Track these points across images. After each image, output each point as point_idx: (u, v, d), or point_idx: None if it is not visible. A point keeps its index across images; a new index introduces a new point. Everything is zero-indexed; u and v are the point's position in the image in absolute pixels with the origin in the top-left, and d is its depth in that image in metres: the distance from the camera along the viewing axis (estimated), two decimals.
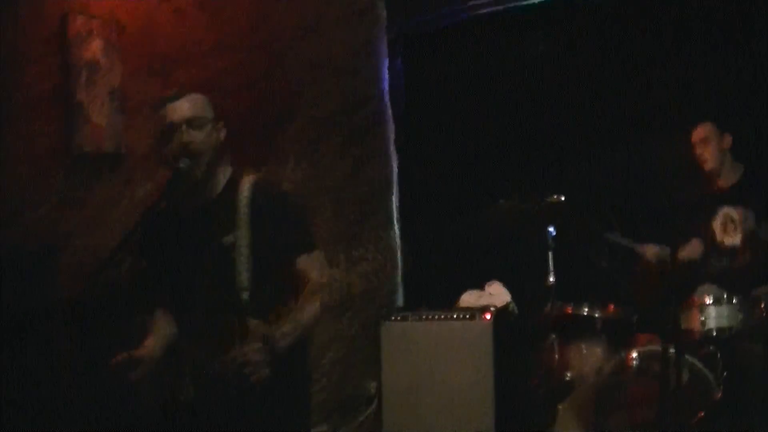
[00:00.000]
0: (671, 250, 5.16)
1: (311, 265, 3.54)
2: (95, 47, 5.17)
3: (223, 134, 3.56)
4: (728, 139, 5.55)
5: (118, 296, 4.71)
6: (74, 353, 4.75)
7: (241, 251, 3.41)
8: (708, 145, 5.56)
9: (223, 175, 3.58)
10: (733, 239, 5.45)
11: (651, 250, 5.49)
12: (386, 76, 7.53)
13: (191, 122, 3.43)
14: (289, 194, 3.78)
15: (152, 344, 3.54)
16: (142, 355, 3.45)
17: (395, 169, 7.64)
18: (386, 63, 7.54)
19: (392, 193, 7.62)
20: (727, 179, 5.58)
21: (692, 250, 5.57)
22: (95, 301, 4.70)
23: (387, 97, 7.54)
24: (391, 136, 7.64)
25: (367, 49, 7.43)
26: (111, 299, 4.69)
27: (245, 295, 3.40)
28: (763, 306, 4.90)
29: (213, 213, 3.51)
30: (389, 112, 7.59)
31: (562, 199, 5.29)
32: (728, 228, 5.47)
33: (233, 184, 3.54)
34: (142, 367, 3.43)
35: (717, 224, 5.51)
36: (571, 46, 6.76)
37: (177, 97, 3.49)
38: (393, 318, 6.09)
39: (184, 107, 3.44)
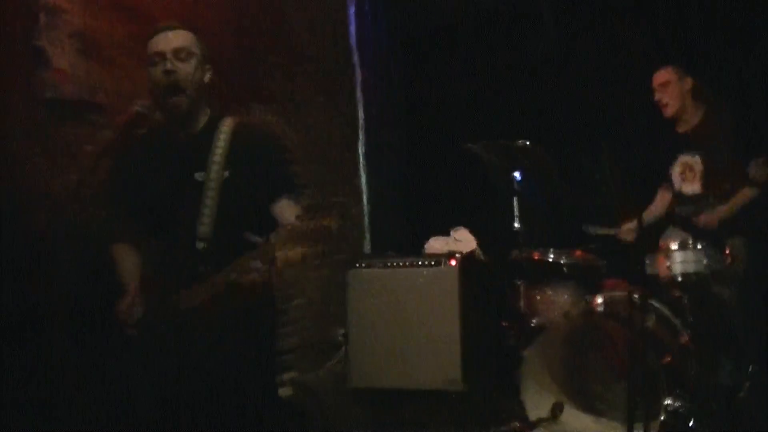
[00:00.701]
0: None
1: (290, 210, 3.56)
2: None
3: (208, 76, 3.61)
4: (689, 82, 5.47)
5: (85, 230, 4.69)
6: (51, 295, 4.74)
7: (208, 192, 3.45)
8: (668, 90, 5.48)
9: (204, 114, 3.62)
10: (693, 186, 5.44)
11: (627, 230, 5.43)
12: (353, 19, 7.48)
13: (178, 53, 3.49)
14: (272, 136, 3.80)
15: (131, 282, 3.57)
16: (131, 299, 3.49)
17: (362, 114, 7.63)
18: (353, 7, 7.49)
19: (359, 139, 7.62)
20: (688, 123, 5.52)
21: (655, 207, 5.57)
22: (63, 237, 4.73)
23: (354, 40, 7.50)
24: (358, 80, 7.62)
25: None
26: (78, 233, 4.67)
27: (201, 245, 3.44)
28: (728, 251, 4.91)
29: (189, 150, 3.56)
30: (356, 55, 7.56)
31: (528, 143, 5.25)
32: (687, 176, 5.46)
33: (213, 124, 3.60)
34: (135, 308, 3.47)
35: (675, 172, 5.50)
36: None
37: (166, 28, 3.55)
38: (359, 265, 6.08)
39: (171, 38, 3.51)
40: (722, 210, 5.19)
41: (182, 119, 3.55)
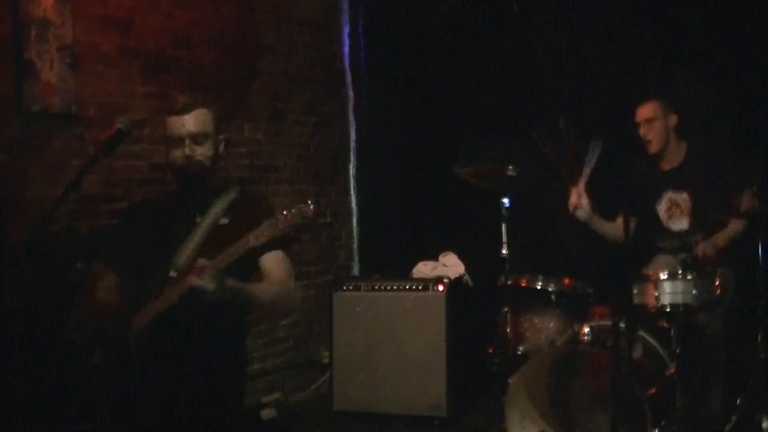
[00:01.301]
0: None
1: (277, 265, 3.64)
2: (45, 3, 5.02)
3: (222, 147, 3.77)
4: (674, 119, 5.40)
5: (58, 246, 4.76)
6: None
7: (199, 231, 3.63)
8: (652, 126, 5.41)
9: (217, 177, 3.80)
10: (680, 224, 5.40)
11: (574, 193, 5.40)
12: (347, 39, 7.50)
13: (195, 138, 3.62)
14: (269, 201, 3.92)
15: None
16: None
17: (353, 136, 7.63)
18: (347, 27, 7.50)
19: (350, 161, 7.62)
20: (671, 161, 5.47)
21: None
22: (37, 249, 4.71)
23: (347, 61, 7.52)
24: (351, 102, 7.63)
25: (333, 6, 7.42)
26: (52, 249, 4.71)
27: (173, 274, 3.55)
28: (718, 283, 4.88)
29: (196, 199, 3.73)
30: (349, 76, 7.58)
31: (517, 170, 5.23)
32: (674, 213, 5.42)
33: (222, 186, 3.81)
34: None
35: (662, 209, 5.45)
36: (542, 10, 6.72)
37: (183, 110, 3.64)
38: (345, 287, 6.04)
39: (189, 123, 3.62)
40: (719, 238, 5.16)
41: (196, 184, 3.69)
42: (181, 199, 3.75)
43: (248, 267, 3.57)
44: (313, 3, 7.23)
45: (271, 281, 3.57)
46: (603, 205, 5.48)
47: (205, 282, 3.26)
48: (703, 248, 5.12)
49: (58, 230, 4.91)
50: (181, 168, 3.63)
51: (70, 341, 3.61)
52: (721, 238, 5.18)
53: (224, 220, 3.67)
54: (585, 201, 5.34)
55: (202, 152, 3.62)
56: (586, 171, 5.27)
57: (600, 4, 6.41)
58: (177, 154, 3.62)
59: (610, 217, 5.46)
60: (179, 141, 3.62)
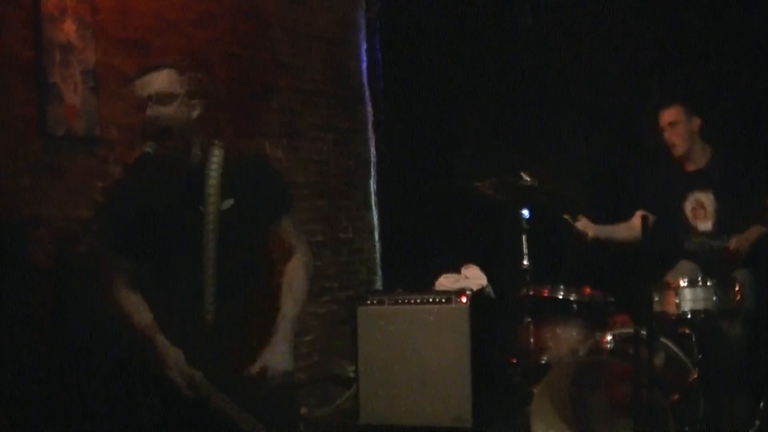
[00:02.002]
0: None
1: (290, 233, 3.60)
2: (69, 28, 5.10)
3: (196, 112, 3.52)
4: (697, 122, 5.45)
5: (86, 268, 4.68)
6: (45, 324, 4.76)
7: (209, 225, 3.44)
8: (676, 129, 5.47)
9: (196, 148, 3.55)
10: (704, 224, 5.45)
11: (583, 224, 5.47)
12: (364, 56, 7.53)
13: (158, 98, 3.40)
14: (261, 156, 3.77)
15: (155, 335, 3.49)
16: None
17: (373, 151, 7.65)
18: (364, 43, 7.54)
19: (370, 176, 7.64)
20: (696, 163, 5.52)
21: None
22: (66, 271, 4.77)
23: (365, 77, 7.55)
24: (370, 117, 7.66)
25: (349, 22, 7.46)
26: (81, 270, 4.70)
27: (210, 316, 3.45)
28: (738, 288, 4.89)
29: (189, 184, 3.50)
30: (367, 92, 7.60)
31: (536, 182, 5.27)
32: (698, 213, 5.45)
33: (204, 156, 3.54)
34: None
35: (687, 209, 5.50)
36: (557, 20, 6.75)
37: (145, 71, 3.47)
38: (369, 302, 6.06)
39: (152, 81, 3.42)
40: (752, 233, 5.18)
41: (177, 157, 3.48)
42: (169, 185, 3.52)
43: (259, 239, 3.57)
44: (329, 20, 7.27)
45: (299, 264, 3.55)
46: (615, 206, 5.56)
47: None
48: (737, 242, 5.14)
49: (82, 251, 4.95)
50: (153, 135, 3.39)
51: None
52: (754, 233, 5.20)
53: (228, 202, 3.48)
54: (590, 227, 5.47)
55: (168, 114, 3.39)
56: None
57: (612, 16, 6.45)
58: (144, 116, 3.40)
59: (623, 218, 5.55)
60: (143, 101, 3.41)
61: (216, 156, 3.53)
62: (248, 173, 3.58)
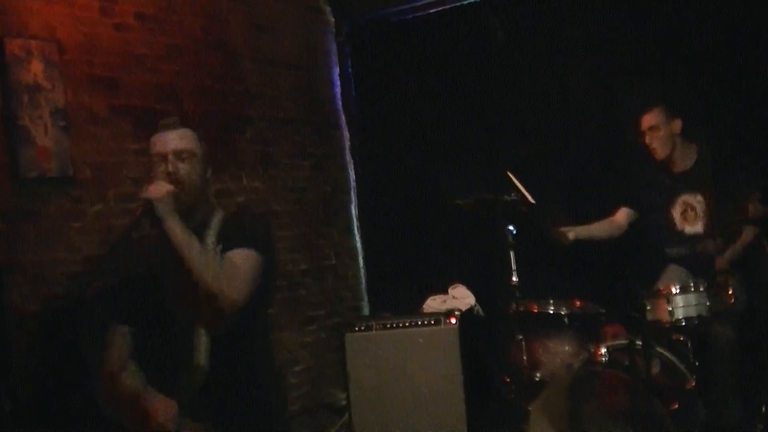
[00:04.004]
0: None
1: (242, 258, 3.48)
2: (35, 69, 5.05)
3: (209, 172, 3.67)
4: (677, 124, 5.41)
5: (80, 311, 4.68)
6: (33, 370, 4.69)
7: None
8: (657, 134, 5.43)
9: (206, 208, 3.66)
10: (694, 227, 5.41)
11: (560, 232, 5.48)
12: (337, 80, 7.52)
13: (178, 154, 3.52)
14: (260, 216, 3.82)
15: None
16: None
17: (353, 176, 7.62)
18: (336, 68, 7.53)
19: (351, 200, 7.61)
20: (681, 164, 5.49)
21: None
22: (54, 316, 4.78)
23: (339, 102, 7.53)
24: (347, 142, 7.63)
25: (319, 48, 7.45)
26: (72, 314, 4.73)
27: (203, 371, 3.49)
28: (730, 292, 4.84)
29: None
30: (342, 117, 7.58)
31: (516, 195, 5.24)
32: (688, 216, 5.42)
33: (209, 215, 3.64)
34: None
35: (676, 212, 5.46)
36: (528, 33, 6.74)
37: (167, 127, 3.58)
38: (357, 328, 5.97)
39: (172, 140, 3.54)
40: (733, 251, 5.16)
41: (184, 212, 3.48)
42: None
43: None
44: (298, 46, 7.25)
45: (224, 263, 3.42)
46: (596, 202, 5.55)
47: None
48: (719, 263, 5.12)
49: (60, 293, 4.90)
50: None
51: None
52: (737, 250, 5.17)
53: (219, 248, 3.50)
54: (569, 232, 5.47)
55: (185, 170, 3.51)
56: (527, 198, 5.32)
57: (585, 22, 6.44)
58: (160, 171, 3.51)
59: (604, 215, 5.63)
60: (162, 157, 3.52)
61: (218, 217, 3.64)
62: (239, 224, 3.66)
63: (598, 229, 5.64)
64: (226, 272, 3.37)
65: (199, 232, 3.52)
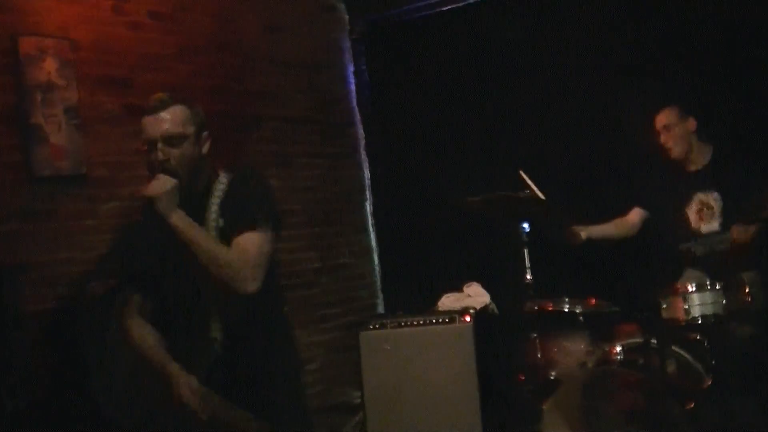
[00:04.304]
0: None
1: (253, 241, 3.36)
2: (49, 67, 5.07)
3: (206, 147, 3.49)
4: (692, 123, 5.38)
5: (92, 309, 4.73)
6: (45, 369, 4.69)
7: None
8: (671, 132, 5.40)
9: (205, 176, 3.52)
10: (710, 225, 5.36)
11: (574, 231, 5.48)
12: (352, 78, 7.50)
13: (168, 140, 3.36)
14: (257, 174, 3.67)
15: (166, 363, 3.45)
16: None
17: (367, 174, 7.61)
18: (351, 66, 7.51)
19: (366, 199, 7.59)
20: (696, 163, 5.45)
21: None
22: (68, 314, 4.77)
23: (354, 100, 7.52)
24: (362, 140, 7.61)
25: (333, 46, 7.44)
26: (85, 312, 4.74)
27: (217, 345, 3.42)
28: (747, 290, 4.80)
29: (192, 208, 3.41)
30: (357, 115, 7.56)
31: (529, 194, 5.21)
32: (704, 214, 5.38)
33: (212, 182, 3.52)
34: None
35: (692, 211, 5.42)
36: (541, 31, 6.70)
37: (157, 108, 3.40)
38: (371, 327, 5.95)
39: (161, 123, 3.37)
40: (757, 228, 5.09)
41: (182, 189, 3.40)
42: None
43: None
44: (312, 46, 7.24)
45: (233, 251, 3.31)
46: (606, 203, 5.53)
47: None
48: (737, 231, 5.05)
49: (73, 292, 4.90)
50: (153, 171, 3.39)
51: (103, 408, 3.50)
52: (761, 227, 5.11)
53: (221, 221, 3.41)
54: (582, 231, 5.47)
55: (176, 156, 3.36)
56: (539, 196, 5.27)
57: (599, 20, 6.41)
58: (151, 157, 3.38)
59: (617, 214, 5.60)
60: (152, 143, 3.38)
61: (221, 184, 3.50)
62: (237, 190, 3.50)
63: (611, 229, 5.62)
64: (236, 260, 3.29)
65: (202, 201, 3.44)
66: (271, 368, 3.49)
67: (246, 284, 3.29)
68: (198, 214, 3.41)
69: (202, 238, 3.30)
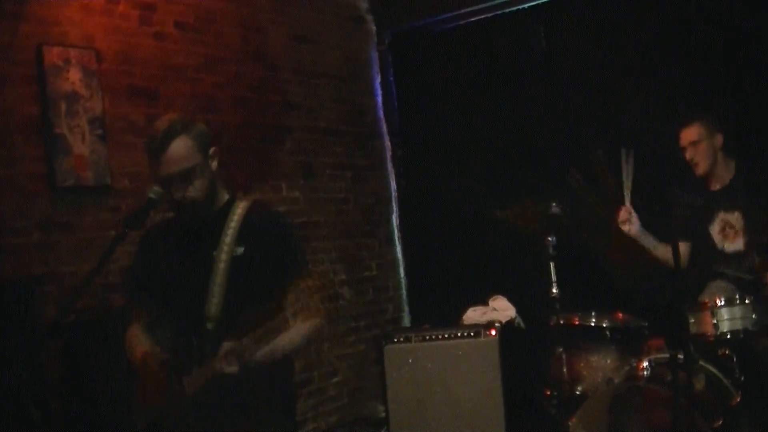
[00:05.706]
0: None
1: (305, 295, 3.28)
2: (73, 77, 5.07)
3: (215, 164, 3.45)
4: (720, 138, 5.29)
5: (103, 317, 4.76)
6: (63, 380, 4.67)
7: (218, 268, 3.39)
8: (698, 148, 5.30)
9: (222, 196, 3.53)
10: (734, 245, 5.24)
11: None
12: (379, 89, 7.49)
13: (182, 177, 3.32)
14: (283, 215, 3.69)
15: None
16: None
17: (394, 186, 7.58)
18: (378, 77, 7.50)
19: (392, 211, 7.56)
20: (720, 180, 5.33)
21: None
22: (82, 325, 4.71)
23: (381, 111, 7.51)
24: (388, 152, 7.59)
25: (360, 58, 7.42)
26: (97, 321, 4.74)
27: (210, 326, 3.38)
28: None
29: (206, 229, 3.45)
30: (384, 126, 7.54)
31: (559, 209, 5.15)
32: (728, 234, 5.26)
33: (229, 205, 3.51)
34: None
35: (715, 231, 5.30)
36: (569, 43, 6.66)
37: (159, 149, 3.31)
38: (396, 339, 5.92)
39: (169, 164, 3.30)
40: None
41: (197, 209, 3.42)
42: (188, 229, 3.49)
43: (271, 290, 3.31)
44: (339, 57, 7.23)
45: (298, 323, 3.25)
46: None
47: (232, 367, 3.14)
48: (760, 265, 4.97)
49: (94, 305, 4.87)
50: (177, 205, 3.38)
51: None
52: None
53: (239, 250, 3.40)
54: (634, 216, 5.31)
55: (194, 188, 3.33)
56: (627, 184, 5.20)
57: (627, 34, 6.35)
58: (168, 191, 3.32)
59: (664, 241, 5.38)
60: (166, 180, 3.31)
61: (240, 208, 3.49)
62: (264, 228, 3.50)
63: (658, 247, 5.45)
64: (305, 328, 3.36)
65: (218, 222, 3.43)
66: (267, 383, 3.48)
67: (316, 322, 3.38)
68: (211, 234, 3.43)
69: (278, 349, 3.33)
